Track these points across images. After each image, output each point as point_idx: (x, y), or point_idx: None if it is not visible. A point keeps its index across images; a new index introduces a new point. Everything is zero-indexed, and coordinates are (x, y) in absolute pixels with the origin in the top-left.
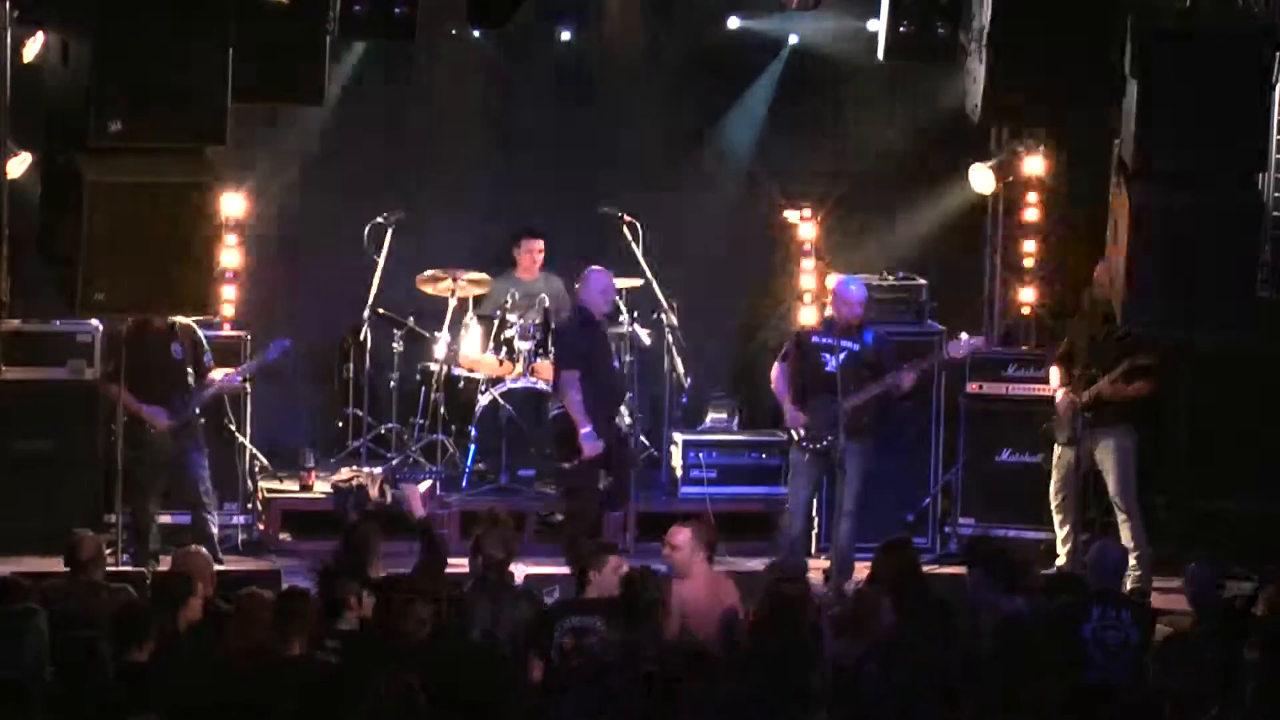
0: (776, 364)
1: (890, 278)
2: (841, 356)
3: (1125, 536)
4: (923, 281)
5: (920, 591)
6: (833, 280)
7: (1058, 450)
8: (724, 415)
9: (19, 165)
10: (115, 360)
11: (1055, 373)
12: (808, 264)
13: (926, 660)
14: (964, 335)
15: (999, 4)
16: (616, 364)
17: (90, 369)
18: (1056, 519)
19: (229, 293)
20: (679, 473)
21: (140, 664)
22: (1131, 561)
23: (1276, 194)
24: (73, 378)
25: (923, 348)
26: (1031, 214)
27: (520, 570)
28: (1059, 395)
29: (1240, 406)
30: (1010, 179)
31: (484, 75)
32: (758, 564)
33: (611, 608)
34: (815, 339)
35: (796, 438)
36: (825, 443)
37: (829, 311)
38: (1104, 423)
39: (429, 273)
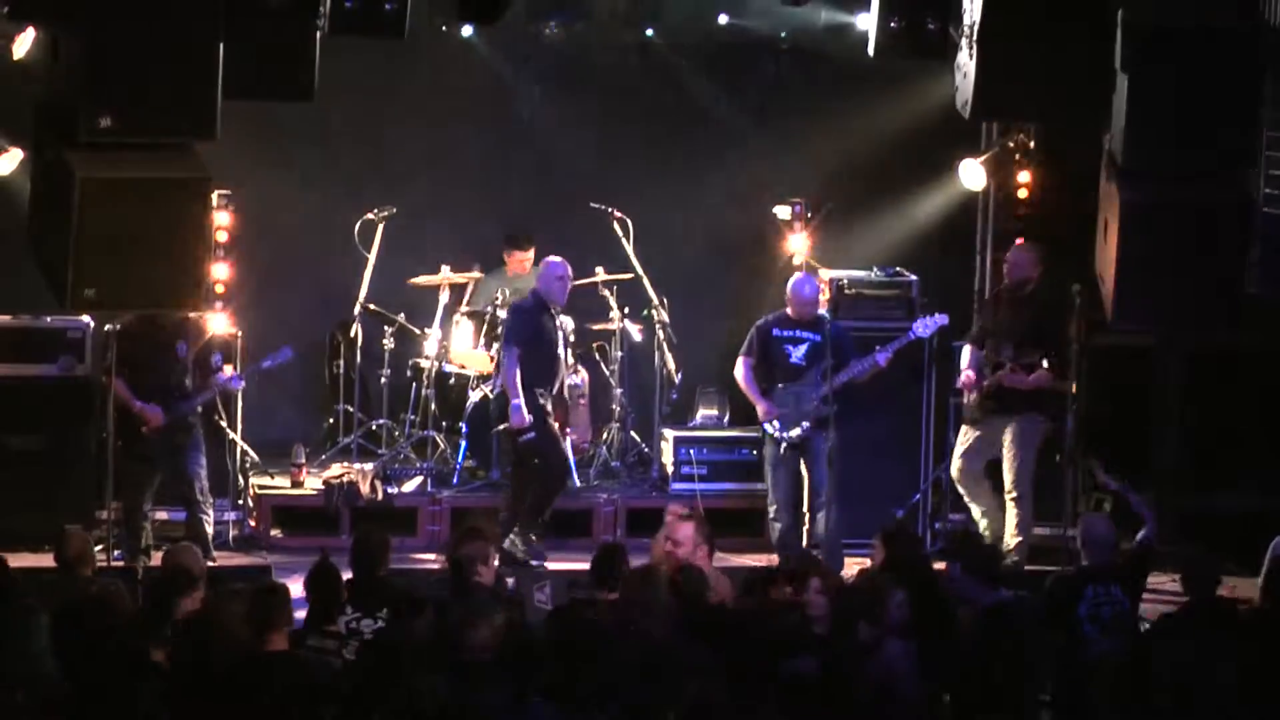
0: (741, 358)
1: (880, 273)
2: (805, 347)
3: (1012, 519)
4: (913, 277)
5: (927, 579)
6: (794, 277)
7: (963, 431)
8: (714, 411)
9: (9, 161)
10: (113, 354)
11: (966, 352)
12: (798, 259)
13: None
14: (927, 315)
15: None
16: (560, 350)
17: (81, 365)
18: (966, 497)
19: (220, 289)
20: (669, 469)
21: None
22: (1011, 544)
23: (1266, 190)
24: (64, 374)
25: (913, 344)
26: (1022, 210)
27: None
28: (964, 377)
29: (1231, 403)
30: (1000, 174)
31: (475, 72)
32: (750, 560)
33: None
34: (776, 332)
35: (770, 432)
36: (798, 433)
37: (787, 308)
38: (1011, 409)
39: (420, 269)
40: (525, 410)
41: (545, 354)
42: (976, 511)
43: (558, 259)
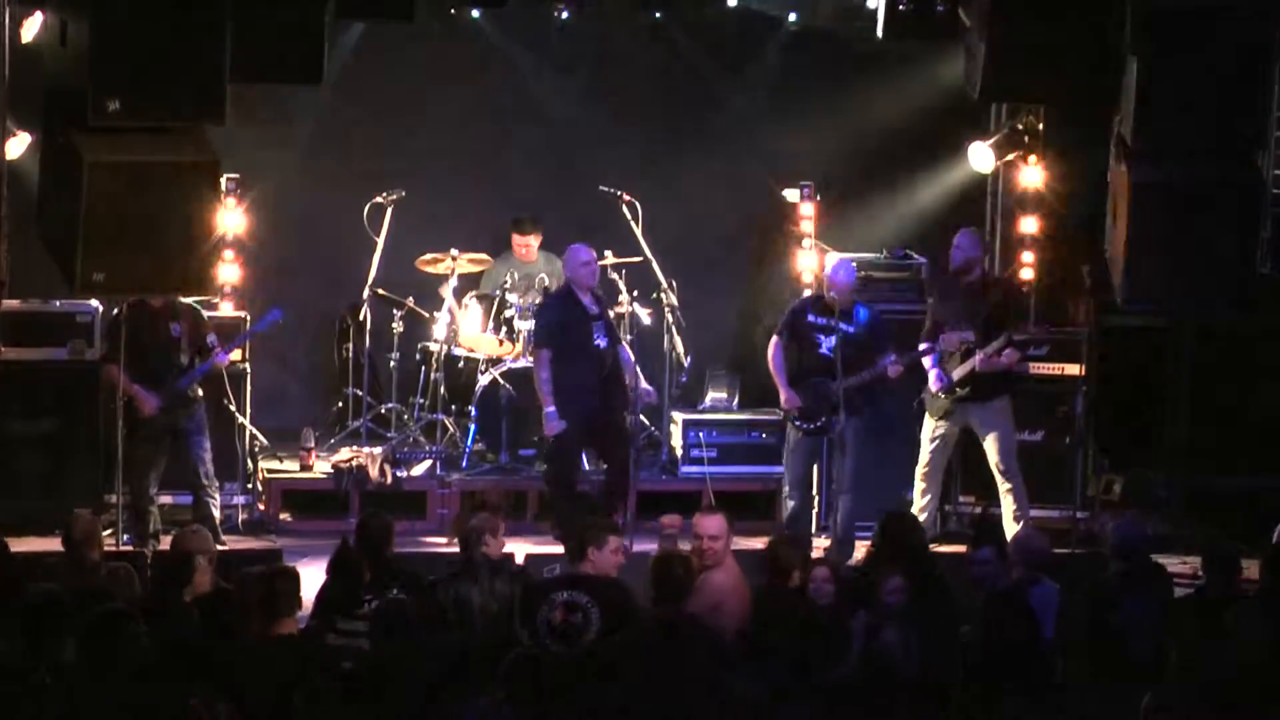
0: (774, 338)
1: (890, 256)
2: (835, 338)
3: (1009, 505)
4: (922, 260)
5: (927, 564)
6: (831, 259)
7: (933, 425)
8: (724, 394)
9: (18, 145)
10: (114, 341)
11: (925, 349)
12: (807, 242)
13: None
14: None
15: None
16: (601, 341)
17: (90, 349)
18: (920, 488)
19: (228, 273)
20: (679, 452)
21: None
22: (1018, 528)
23: (1276, 171)
24: (73, 358)
25: (921, 326)
26: (1030, 191)
27: (522, 549)
28: (933, 381)
29: (1241, 384)
30: (1009, 157)
31: (483, 55)
32: (759, 543)
33: (604, 587)
34: (810, 318)
35: (791, 417)
36: (820, 423)
37: (823, 290)
38: (981, 395)
39: (429, 253)
40: (558, 417)
41: (576, 346)
42: (920, 503)
43: (581, 245)
